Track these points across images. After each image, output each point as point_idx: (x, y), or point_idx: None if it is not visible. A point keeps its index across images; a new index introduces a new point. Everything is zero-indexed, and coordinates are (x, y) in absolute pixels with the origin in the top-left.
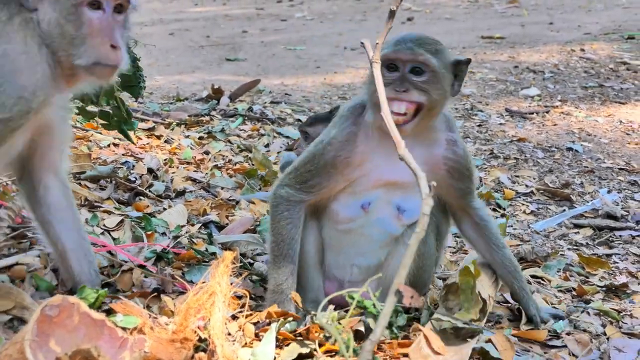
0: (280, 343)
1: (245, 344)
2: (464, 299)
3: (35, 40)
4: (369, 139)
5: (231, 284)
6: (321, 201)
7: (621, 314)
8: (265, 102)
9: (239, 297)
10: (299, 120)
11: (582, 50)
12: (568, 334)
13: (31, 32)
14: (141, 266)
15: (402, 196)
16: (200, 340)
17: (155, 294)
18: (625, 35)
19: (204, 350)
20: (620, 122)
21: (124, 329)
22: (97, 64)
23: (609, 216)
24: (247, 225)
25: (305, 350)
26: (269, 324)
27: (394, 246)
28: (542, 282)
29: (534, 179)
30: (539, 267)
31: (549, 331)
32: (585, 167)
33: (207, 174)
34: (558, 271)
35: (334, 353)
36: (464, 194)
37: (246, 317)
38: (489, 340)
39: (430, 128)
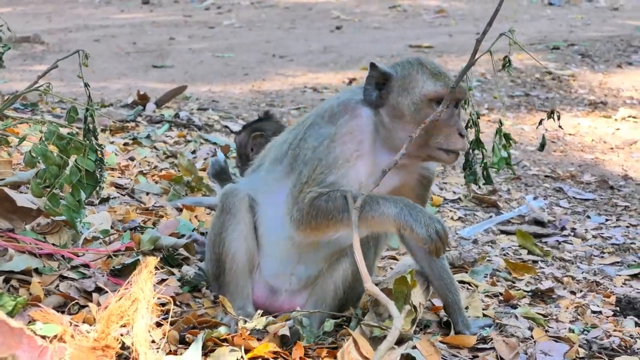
0: (207, 351)
1: (170, 351)
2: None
3: None
4: (373, 143)
5: (158, 291)
6: None
7: (547, 319)
8: (192, 109)
9: (163, 304)
10: (226, 126)
11: (509, 60)
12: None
13: None
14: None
15: None
16: (123, 347)
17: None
18: (551, 45)
19: (127, 358)
20: (546, 130)
21: (43, 337)
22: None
23: (536, 222)
24: (172, 229)
25: (232, 357)
26: (193, 327)
27: (337, 256)
28: (469, 287)
29: (462, 185)
30: (467, 272)
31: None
32: (511, 174)
33: (132, 180)
34: (485, 276)
35: (260, 359)
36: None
37: (171, 324)
38: (415, 347)
39: None
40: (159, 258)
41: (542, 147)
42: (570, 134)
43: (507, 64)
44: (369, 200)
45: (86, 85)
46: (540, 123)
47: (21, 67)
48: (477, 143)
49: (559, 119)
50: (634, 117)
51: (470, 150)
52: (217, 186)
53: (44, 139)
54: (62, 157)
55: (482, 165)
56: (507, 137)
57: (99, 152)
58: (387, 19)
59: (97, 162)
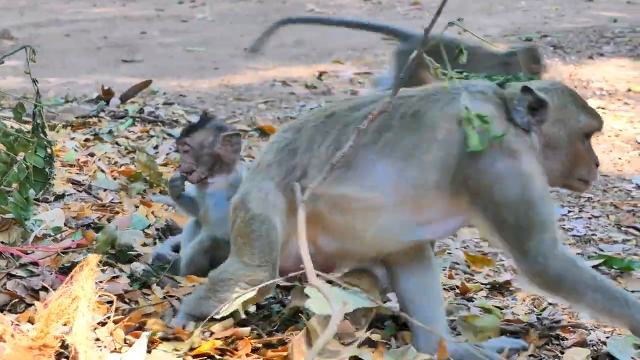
0: (152, 348)
1: (115, 349)
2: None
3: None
4: None
5: (101, 288)
6: None
7: (503, 311)
8: (158, 104)
9: (110, 302)
10: (190, 121)
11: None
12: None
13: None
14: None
15: None
16: (64, 346)
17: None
18: (523, 37)
19: (67, 357)
20: None
21: None
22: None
23: None
24: (126, 225)
25: (176, 355)
26: (139, 328)
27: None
28: None
29: None
30: None
31: None
32: None
33: (89, 176)
34: (444, 269)
35: (205, 357)
36: None
37: (115, 322)
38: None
39: None
40: (100, 255)
41: None
42: None
43: (460, 53)
44: (621, 294)
45: (34, 81)
46: None
47: None
48: None
49: None
50: (602, 108)
51: None
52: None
53: None
54: (9, 154)
55: None
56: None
57: (48, 149)
58: (361, 12)
59: (46, 159)
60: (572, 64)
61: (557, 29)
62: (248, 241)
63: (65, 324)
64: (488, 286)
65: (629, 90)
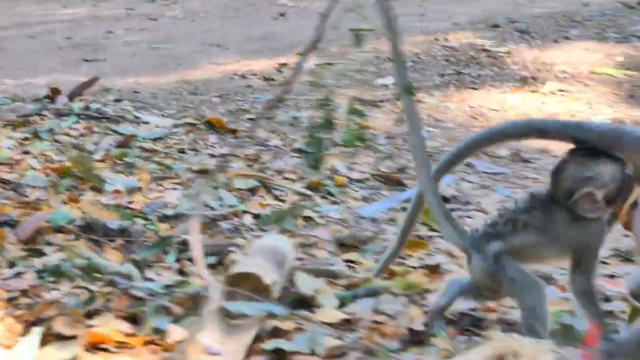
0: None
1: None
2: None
3: None
4: None
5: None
6: None
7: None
8: (108, 101)
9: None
10: (137, 117)
11: (446, 39)
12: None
13: None
14: None
15: None
16: None
17: None
18: (491, 23)
19: None
20: (470, 107)
21: None
22: None
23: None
24: (41, 220)
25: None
26: (34, 323)
27: None
28: (352, 265)
29: (371, 165)
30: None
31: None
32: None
33: (20, 174)
34: (375, 254)
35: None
36: None
37: (15, 317)
38: None
39: None
40: None
41: None
42: (493, 110)
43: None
44: None
45: None
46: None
47: None
48: (327, 124)
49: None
50: (562, 91)
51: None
52: None
53: None
54: None
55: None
56: (358, 112)
57: None
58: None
59: None
60: (537, 48)
61: (526, 14)
62: None
63: None
64: (418, 269)
65: (592, 72)
